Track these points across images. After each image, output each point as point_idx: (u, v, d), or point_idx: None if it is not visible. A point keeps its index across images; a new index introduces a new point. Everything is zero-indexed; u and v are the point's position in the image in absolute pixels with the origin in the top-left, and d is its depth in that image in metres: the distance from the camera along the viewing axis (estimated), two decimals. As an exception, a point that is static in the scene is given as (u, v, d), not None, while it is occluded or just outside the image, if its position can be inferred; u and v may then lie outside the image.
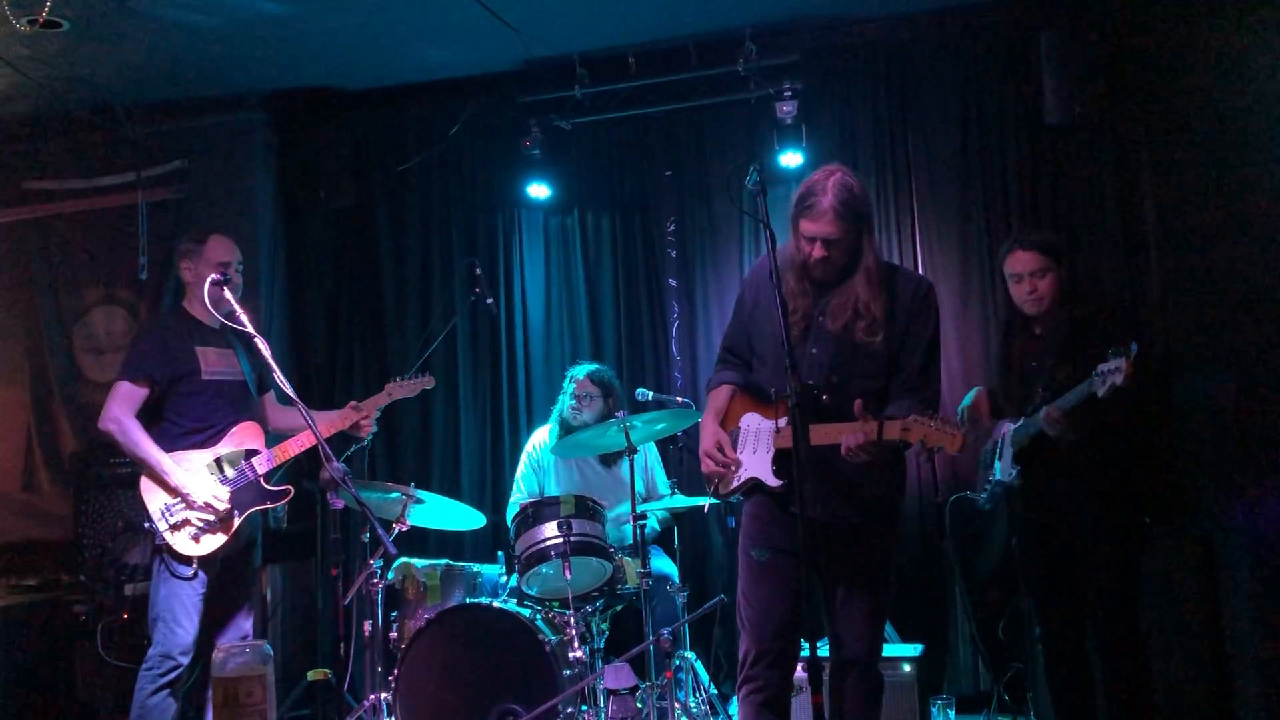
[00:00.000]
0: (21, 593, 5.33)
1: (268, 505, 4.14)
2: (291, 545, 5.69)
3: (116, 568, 5.12)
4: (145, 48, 5.18)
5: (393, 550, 3.57)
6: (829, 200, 3.15)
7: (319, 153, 5.97)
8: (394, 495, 4.51)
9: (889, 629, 4.77)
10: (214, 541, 3.98)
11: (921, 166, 5.37)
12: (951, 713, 4.62)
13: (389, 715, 4.29)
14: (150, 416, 4.05)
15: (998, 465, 3.97)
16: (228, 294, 3.90)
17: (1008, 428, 3.93)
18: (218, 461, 4.04)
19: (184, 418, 4.05)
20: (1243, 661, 3.96)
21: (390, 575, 4.53)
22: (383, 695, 4.33)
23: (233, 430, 4.10)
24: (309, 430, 3.86)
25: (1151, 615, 4.11)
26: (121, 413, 3.97)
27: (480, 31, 5.18)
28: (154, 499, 3.96)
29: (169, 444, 4.00)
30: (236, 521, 4.02)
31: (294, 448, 4.13)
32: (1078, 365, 3.64)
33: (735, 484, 3.34)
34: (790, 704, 3.36)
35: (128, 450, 4.00)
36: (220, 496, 3.97)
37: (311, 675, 4.96)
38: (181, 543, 3.94)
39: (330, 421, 4.21)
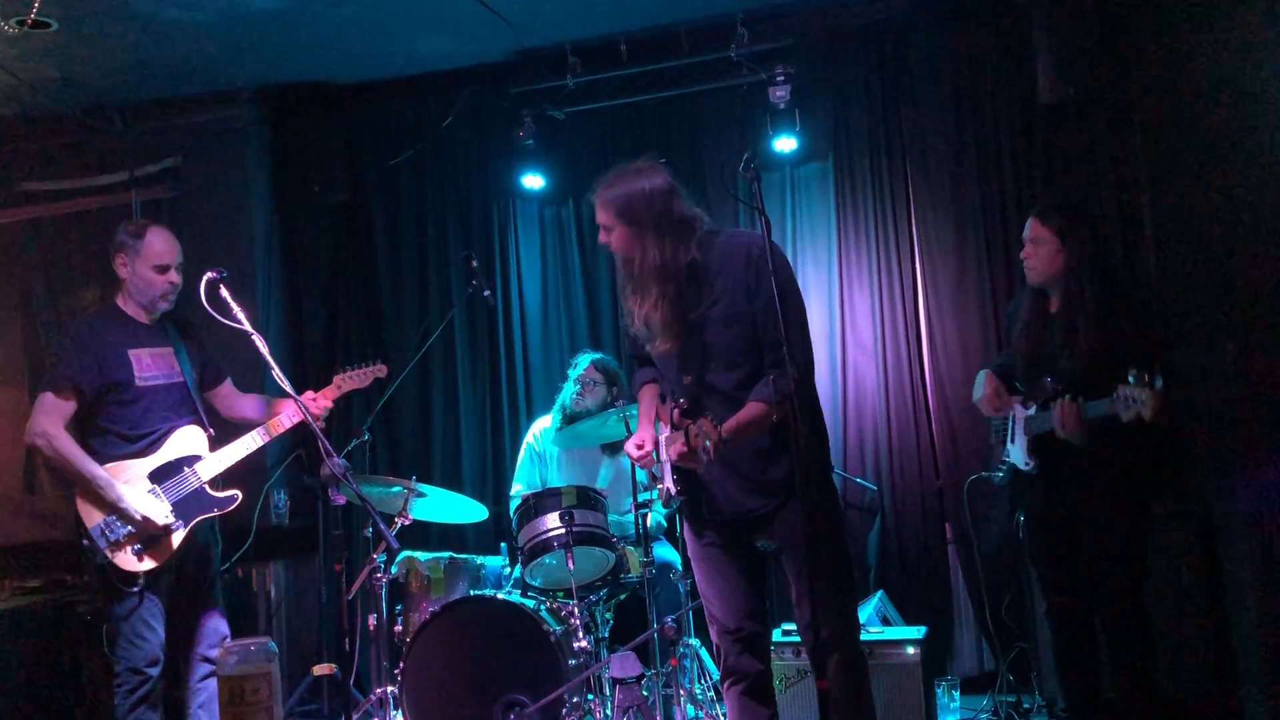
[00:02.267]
0: (26, 595, 5.33)
1: (214, 513, 3.99)
2: (294, 541, 5.69)
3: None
4: (135, 46, 5.16)
5: (395, 544, 3.56)
6: (600, 186, 3.23)
7: (312, 147, 5.97)
8: (395, 489, 4.51)
9: (893, 612, 4.79)
10: (157, 557, 3.84)
11: (916, 149, 5.36)
12: (956, 693, 4.64)
13: (395, 708, 4.30)
14: (86, 425, 3.89)
15: (1012, 448, 3.96)
16: (224, 293, 3.84)
17: (1020, 410, 3.93)
18: (158, 471, 3.91)
19: (120, 425, 3.89)
20: (1245, 638, 3.97)
21: (394, 569, 4.54)
22: (389, 689, 4.34)
23: (173, 435, 3.96)
24: (296, 410, 3.83)
25: (1155, 593, 4.12)
26: (49, 425, 3.78)
27: (471, 22, 5.16)
28: (91, 515, 3.79)
29: (107, 454, 3.86)
30: (180, 533, 3.88)
31: (286, 421, 4.05)
32: (1080, 354, 3.67)
33: (662, 495, 3.27)
34: (772, 688, 3.36)
35: (58, 465, 3.83)
36: (158, 512, 3.81)
37: (317, 670, 4.96)
38: (125, 560, 3.79)
39: (289, 415, 4.10)
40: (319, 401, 4.18)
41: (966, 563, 5.06)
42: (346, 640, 3.68)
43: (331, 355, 6.08)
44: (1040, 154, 5.18)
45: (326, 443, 3.59)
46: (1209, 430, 4.31)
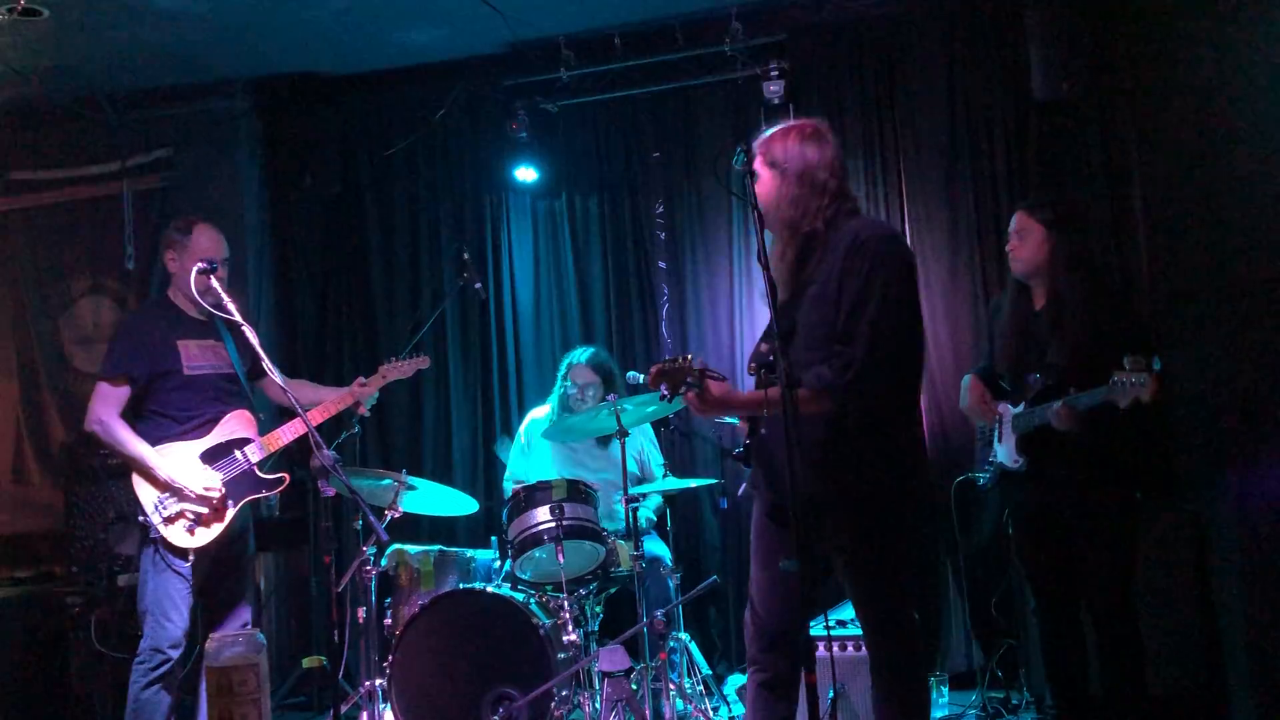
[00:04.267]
0: (13, 585, 5.32)
1: (264, 494, 4.10)
2: (284, 533, 5.69)
3: (109, 558, 5.10)
4: (127, 35, 5.14)
5: (385, 537, 3.56)
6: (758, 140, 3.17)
7: (305, 139, 5.96)
8: (386, 482, 4.50)
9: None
10: (209, 533, 3.95)
11: (909, 145, 5.36)
12: (945, 689, 4.65)
13: (384, 701, 4.30)
14: (136, 412, 4.00)
15: (999, 448, 3.96)
16: (214, 283, 3.87)
17: (1007, 409, 3.93)
18: (209, 452, 4.00)
19: (170, 409, 3.99)
20: (1231, 635, 3.98)
21: (384, 562, 4.54)
22: (378, 681, 4.34)
23: (224, 420, 4.05)
24: (299, 418, 3.86)
25: (1143, 590, 4.14)
26: (105, 413, 3.93)
27: (465, 14, 5.15)
28: (146, 493, 3.91)
29: (158, 438, 3.95)
30: (231, 511, 3.99)
31: (285, 435, 4.11)
32: (1068, 346, 3.66)
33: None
34: (795, 690, 3.23)
35: (114, 450, 3.99)
36: (212, 485, 3.93)
37: (306, 663, 4.97)
38: (176, 535, 3.90)
39: (335, 400, 4.24)
40: (367, 389, 4.32)
41: (956, 560, 5.07)
42: (335, 632, 3.67)
43: (323, 346, 6.08)
44: (1033, 150, 5.17)
45: (317, 434, 3.59)
46: (1200, 428, 4.32)
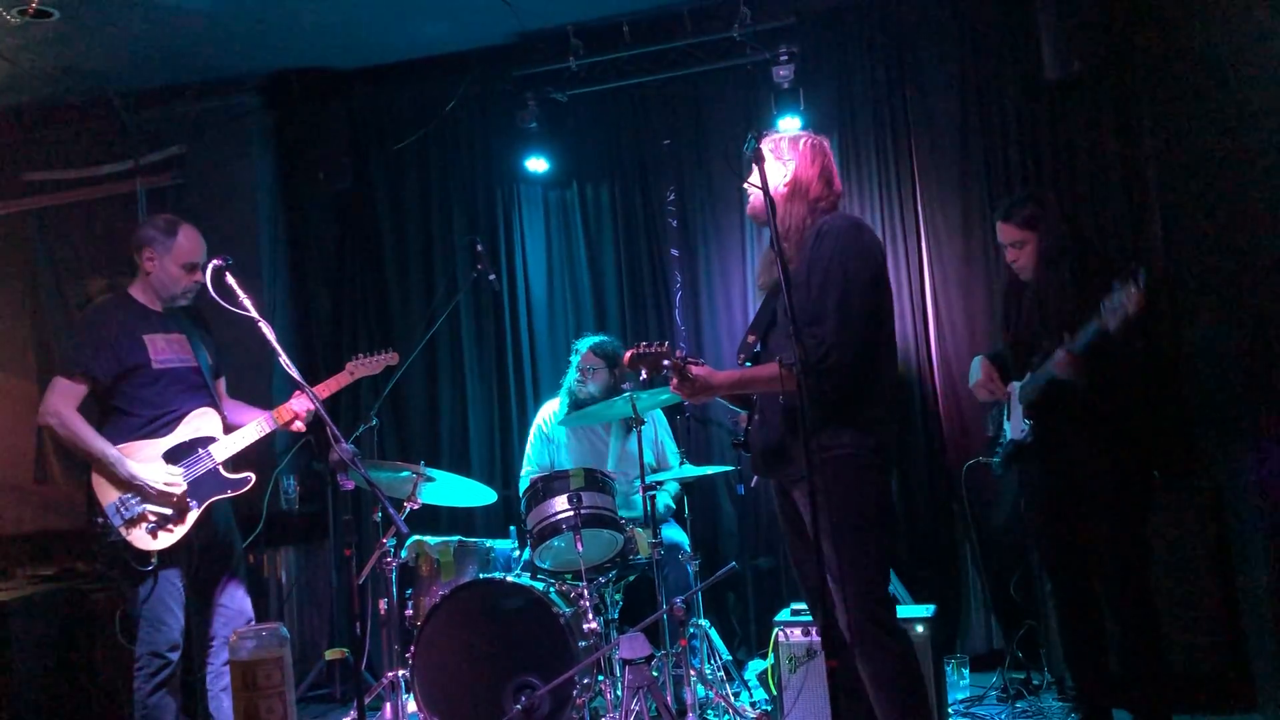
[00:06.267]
0: (40, 582, 5.37)
1: (229, 494, 4.03)
2: (304, 527, 5.72)
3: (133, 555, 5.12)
4: (137, 34, 5.16)
5: (405, 529, 3.57)
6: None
7: (316, 134, 5.97)
8: (404, 474, 4.52)
9: (901, 590, 4.80)
10: (171, 536, 3.89)
11: (921, 127, 5.34)
12: (966, 671, 4.66)
13: (407, 692, 4.32)
14: (103, 407, 3.96)
15: (1007, 426, 3.97)
16: (230, 280, 3.85)
17: (1015, 386, 3.93)
18: (172, 451, 3.95)
19: (139, 406, 3.94)
20: (1255, 610, 3.97)
21: (404, 553, 4.56)
22: (400, 672, 4.36)
23: (188, 417, 4.01)
24: (305, 400, 3.87)
25: (1163, 570, 4.13)
26: (61, 407, 3.86)
27: (473, 5, 5.15)
28: (106, 494, 3.85)
29: (126, 435, 3.90)
30: (195, 513, 3.93)
31: (295, 408, 4.06)
32: (1071, 325, 3.65)
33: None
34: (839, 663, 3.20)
35: (70, 445, 3.89)
36: (173, 482, 3.87)
37: (329, 655, 5.00)
38: (139, 538, 3.86)
39: (297, 403, 4.10)
40: (325, 391, 4.23)
41: (974, 541, 5.07)
42: (357, 625, 3.69)
43: (338, 341, 6.10)
44: (1046, 131, 5.15)
45: (335, 428, 3.59)
46: (1218, 405, 4.30)
